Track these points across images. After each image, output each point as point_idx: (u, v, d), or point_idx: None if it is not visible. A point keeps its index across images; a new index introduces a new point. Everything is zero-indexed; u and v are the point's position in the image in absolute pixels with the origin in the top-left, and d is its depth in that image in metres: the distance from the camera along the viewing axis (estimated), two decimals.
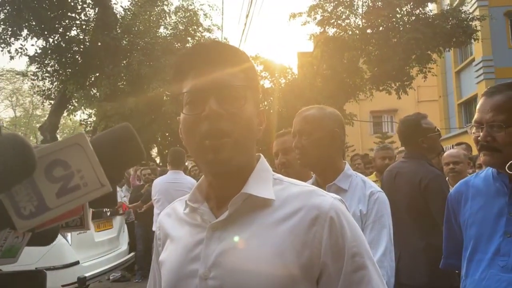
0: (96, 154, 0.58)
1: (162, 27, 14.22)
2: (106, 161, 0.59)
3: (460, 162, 3.49)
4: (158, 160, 14.17)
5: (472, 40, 12.83)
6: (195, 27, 14.13)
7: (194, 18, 14.10)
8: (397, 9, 12.32)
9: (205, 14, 14.60)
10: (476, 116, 1.51)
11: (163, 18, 14.19)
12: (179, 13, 14.27)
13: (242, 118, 0.81)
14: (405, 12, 12.53)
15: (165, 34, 14.03)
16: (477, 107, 1.53)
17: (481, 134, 1.46)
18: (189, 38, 13.91)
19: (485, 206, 1.54)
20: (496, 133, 1.43)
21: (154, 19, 13.79)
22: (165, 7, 14.30)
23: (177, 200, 0.99)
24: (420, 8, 12.47)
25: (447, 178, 3.66)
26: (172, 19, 14.34)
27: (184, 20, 14.00)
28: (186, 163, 6.07)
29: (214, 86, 0.80)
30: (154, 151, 15.83)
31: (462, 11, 12.71)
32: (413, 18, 12.42)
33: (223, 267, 0.79)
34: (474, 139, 1.51)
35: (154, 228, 4.86)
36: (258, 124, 0.87)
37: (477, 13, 13.73)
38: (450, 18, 12.27)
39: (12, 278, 0.69)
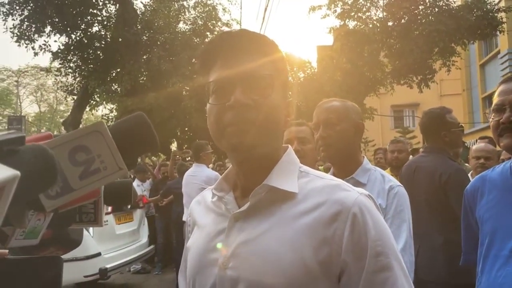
0: (114, 141, 0.62)
1: (181, 22, 14.33)
2: (122, 147, 0.63)
3: (491, 158, 3.37)
4: None
5: (498, 32, 12.46)
6: (214, 22, 14.18)
7: (213, 13, 14.15)
8: (420, 0, 12.04)
9: (223, 9, 14.74)
10: (496, 100, 1.43)
11: (183, 13, 14.29)
12: (198, 8, 14.35)
13: (268, 108, 0.79)
14: (427, 3, 12.24)
15: (184, 29, 14.13)
16: (496, 93, 1.45)
17: (504, 115, 1.38)
18: (208, 33, 13.98)
19: (501, 201, 1.47)
20: None
21: (174, 14, 13.89)
22: (184, 2, 14.40)
23: (208, 188, 1.00)
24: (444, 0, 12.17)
25: (470, 173, 3.54)
26: (191, 14, 14.43)
27: (203, 15, 14.06)
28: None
29: (240, 76, 0.79)
30: (174, 146, 16.02)
31: (487, 2, 12.31)
32: (436, 9, 12.12)
33: (241, 257, 0.79)
34: (494, 124, 1.42)
35: (184, 218, 4.96)
36: (286, 116, 0.86)
37: (502, 4, 13.29)
38: (475, 10, 11.92)
39: (30, 263, 0.71)
